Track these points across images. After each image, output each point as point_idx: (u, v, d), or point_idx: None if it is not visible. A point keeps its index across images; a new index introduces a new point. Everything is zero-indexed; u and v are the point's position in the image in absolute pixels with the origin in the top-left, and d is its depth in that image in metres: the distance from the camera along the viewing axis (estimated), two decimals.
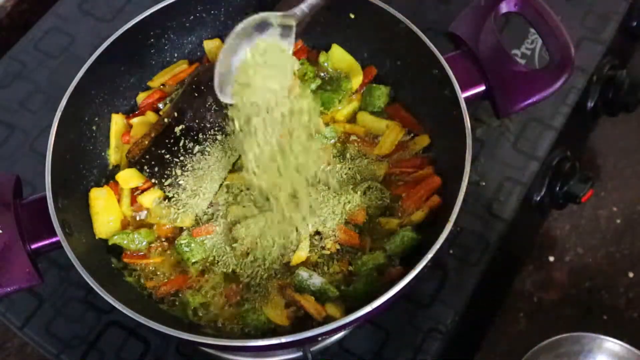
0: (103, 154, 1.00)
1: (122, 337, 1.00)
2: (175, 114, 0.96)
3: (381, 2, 0.96)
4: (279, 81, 0.83)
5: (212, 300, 0.89)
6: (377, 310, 0.78)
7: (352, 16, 1.02)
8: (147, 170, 0.94)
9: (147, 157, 0.94)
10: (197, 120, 0.95)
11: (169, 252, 0.93)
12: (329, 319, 0.83)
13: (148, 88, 1.05)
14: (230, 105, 0.84)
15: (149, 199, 0.94)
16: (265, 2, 0.99)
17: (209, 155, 0.94)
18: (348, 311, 0.82)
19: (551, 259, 1.16)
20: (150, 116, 1.01)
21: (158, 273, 0.92)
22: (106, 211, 0.93)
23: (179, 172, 0.93)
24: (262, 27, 0.83)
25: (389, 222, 0.91)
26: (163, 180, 0.93)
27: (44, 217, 0.83)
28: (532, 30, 1.05)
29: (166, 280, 0.91)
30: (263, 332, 0.86)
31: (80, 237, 0.88)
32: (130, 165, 0.95)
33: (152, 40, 1.02)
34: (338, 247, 0.90)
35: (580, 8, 1.23)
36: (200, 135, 0.95)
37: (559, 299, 1.12)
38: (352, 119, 1.02)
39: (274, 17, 0.82)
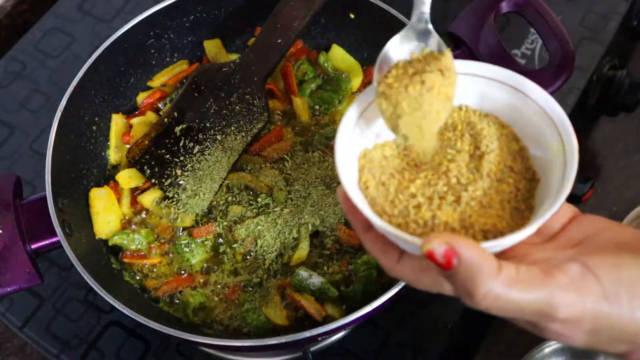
0: (103, 154, 1.00)
1: (122, 337, 1.00)
2: (175, 114, 0.96)
3: (381, 2, 0.96)
4: None
5: (212, 300, 0.89)
6: (376, 310, 0.78)
7: (352, 16, 1.02)
8: (147, 170, 0.94)
9: (147, 157, 0.94)
10: (197, 120, 0.95)
11: (169, 252, 0.93)
12: (328, 319, 0.83)
13: (148, 88, 1.05)
14: None
15: (149, 199, 0.94)
16: (265, 3, 0.99)
17: (209, 155, 0.94)
18: (348, 311, 0.83)
19: None
20: (150, 116, 1.01)
21: (158, 273, 0.92)
22: (106, 211, 0.93)
23: (179, 172, 0.93)
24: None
25: None
26: (163, 180, 0.93)
27: (44, 217, 0.83)
28: (532, 30, 1.05)
29: (166, 280, 0.91)
30: (263, 332, 0.86)
31: (80, 237, 0.88)
32: (130, 165, 0.95)
33: (152, 40, 1.02)
34: (338, 247, 0.90)
35: (580, 8, 1.23)
36: (200, 135, 0.95)
37: None
38: None
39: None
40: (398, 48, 0.62)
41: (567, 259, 0.50)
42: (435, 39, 0.62)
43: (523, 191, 0.58)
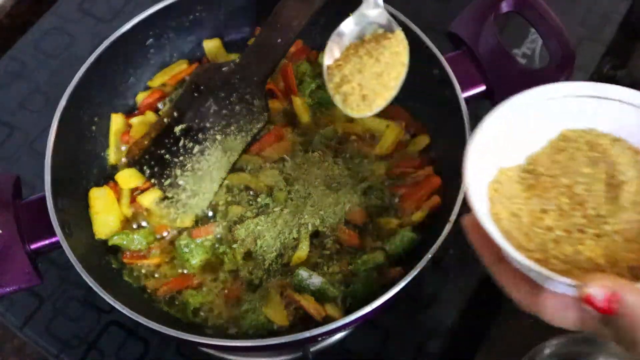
0: (103, 154, 1.00)
1: (122, 337, 1.00)
2: (175, 114, 0.96)
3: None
4: None
5: (212, 300, 0.89)
6: (376, 311, 0.78)
7: None
8: (147, 171, 0.94)
9: (147, 157, 0.94)
10: (197, 120, 0.95)
11: (168, 252, 0.93)
12: (328, 319, 0.82)
13: (148, 88, 1.05)
14: None
15: (149, 199, 0.94)
16: (265, 3, 0.99)
17: (208, 155, 0.94)
18: (348, 311, 0.82)
19: None
20: (150, 116, 1.01)
21: (158, 273, 0.92)
22: (106, 211, 0.92)
23: (178, 172, 0.93)
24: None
25: (389, 222, 0.91)
26: (163, 180, 0.93)
27: (43, 217, 0.83)
28: (533, 30, 1.05)
29: (166, 281, 0.91)
30: (263, 332, 0.86)
31: (80, 237, 0.88)
32: (130, 165, 0.95)
33: (151, 40, 1.02)
34: (338, 247, 0.90)
35: (580, 8, 1.23)
36: (200, 135, 0.94)
37: None
38: (352, 119, 1.02)
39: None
40: (350, 30, 0.62)
41: None
42: (386, 19, 0.62)
43: None
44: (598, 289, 0.45)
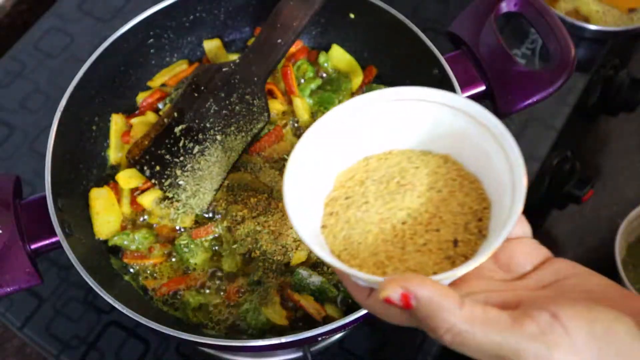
0: (103, 154, 1.00)
1: (122, 337, 1.00)
2: (175, 114, 0.96)
3: (381, 2, 0.96)
4: None
5: (211, 300, 0.89)
6: None
7: (352, 16, 1.02)
8: (147, 171, 0.94)
9: (147, 157, 0.94)
10: (197, 120, 0.95)
11: (169, 252, 0.93)
12: (328, 319, 0.83)
13: (148, 88, 1.05)
14: None
15: (149, 199, 0.94)
16: (265, 3, 0.99)
17: (209, 155, 0.94)
18: (348, 311, 0.82)
19: None
20: (150, 116, 1.01)
21: (158, 273, 0.92)
22: (106, 211, 0.93)
23: (178, 172, 0.93)
24: None
25: None
26: (163, 181, 0.93)
27: (43, 217, 0.83)
28: (533, 30, 1.05)
29: (166, 281, 0.91)
30: (263, 332, 0.86)
31: (80, 237, 0.88)
32: (130, 165, 0.95)
33: (151, 40, 1.02)
34: None
35: None
36: (200, 136, 0.94)
37: None
38: None
39: None
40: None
41: (538, 307, 0.50)
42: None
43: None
44: (393, 291, 0.49)
